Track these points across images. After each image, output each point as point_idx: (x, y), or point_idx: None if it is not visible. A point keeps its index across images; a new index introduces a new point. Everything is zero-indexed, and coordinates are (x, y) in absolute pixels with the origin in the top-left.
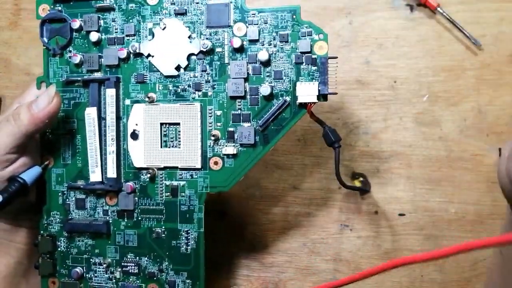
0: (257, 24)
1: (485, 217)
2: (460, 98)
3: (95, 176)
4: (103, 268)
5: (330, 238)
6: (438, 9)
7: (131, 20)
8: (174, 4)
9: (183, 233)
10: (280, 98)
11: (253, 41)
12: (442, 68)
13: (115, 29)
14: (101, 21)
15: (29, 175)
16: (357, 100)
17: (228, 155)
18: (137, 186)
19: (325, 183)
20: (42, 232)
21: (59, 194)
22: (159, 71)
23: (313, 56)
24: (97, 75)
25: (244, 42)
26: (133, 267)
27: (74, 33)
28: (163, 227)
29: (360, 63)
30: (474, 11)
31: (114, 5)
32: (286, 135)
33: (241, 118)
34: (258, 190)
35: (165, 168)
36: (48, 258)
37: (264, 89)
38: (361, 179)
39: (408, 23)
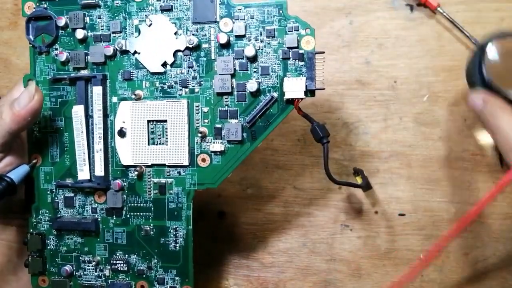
0: (244, 19)
1: (485, 217)
2: (460, 98)
3: (83, 174)
4: (92, 266)
5: (330, 238)
6: (438, 9)
7: (117, 17)
8: (159, 0)
9: (171, 231)
10: (267, 94)
11: (239, 37)
12: (442, 68)
13: (101, 26)
14: (87, 18)
15: (17, 174)
16: (357, 100)
17: (215, 152)
18: (125, 183)
19: (325, 183)
20: (31, 230)
21: (48, 192)
22: (146, 68)
23: (300, 51)
24: (84, 72)
25: (231, 38)
26: (122, 265)
27: (60, 31)
28: (152, 225)
29: (360, 63)
30: (474, 11)
31: (100, 1)
32: (286, 135)
33: (228, 114)
34: (258, 190)
35: (152, 165)
36: (38, 256)
37: (251, 85)
38: (361, 176)
39: (408, 23)
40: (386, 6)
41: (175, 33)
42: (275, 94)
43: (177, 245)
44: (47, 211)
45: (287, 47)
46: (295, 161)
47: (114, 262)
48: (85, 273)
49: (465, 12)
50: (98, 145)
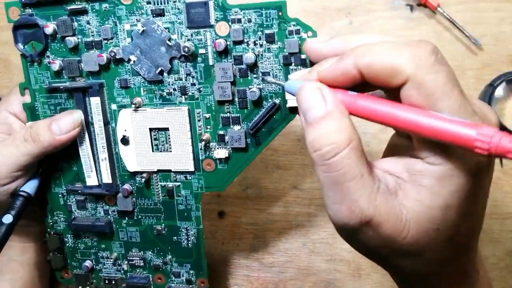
0: (241, 23)
1: (485, 217)
2: None
3: (91, 180)
4: (111, 261)
5: (330, 238)
6: (438, 9)
7: (106, 22)
8: (150, 3)
9: (183, 230)
10: (270, 100)
11: (237, 43)
12: None
13: (91, 32)
14: (75, 23)
15: (31, 186)
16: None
17: (220, 159)
18: (133, 187)
19: None
20: (48, 230)
21: (60, 195)
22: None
23: (302, 57)
24: (80, 80)
25: (228, 42)
26: (138, 261)
27: (49, 38)
28: (163, 225)
29: None
30: (474, 11)
31: (86, 5)
32: (286, 135)
33: (231, 121)
34: (258, 190)
35: (158, 171)
36: (58, 253)
37: (252, 94)
38: None
39: (408, 23)
40: (386, 6)
41: (169, 40)
42: (277, 101)
43: (189, 242)
44: (61, 213)
45: (289, 53)
46: (295, 161)
47: (131, 258)
48: (104, 267)
49: (465, 12)
50: (103, 154)
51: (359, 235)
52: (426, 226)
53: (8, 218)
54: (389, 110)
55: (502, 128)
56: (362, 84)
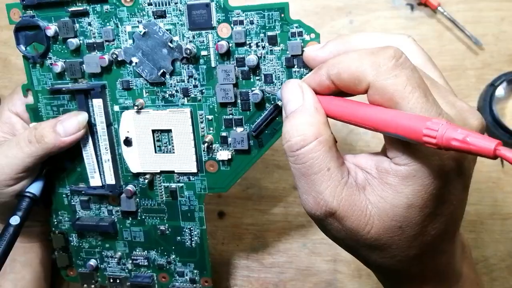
0: (243, 24)
1: (485, 217)
2: (461, 98)
3: (94, 181)
4: (115, 260)
5: None
6: (439, 8)
7: (108, 24)
8: (151, 4)
9: (186, 230)
10: (272, 102)
11: (239, 45)
12: (443, 67)
13: (93, 33)
14: (77, 25)
15: (36, 187)
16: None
17: (223, 161)
18: (137, 188)
19: None
20: (53, 229)
21: (64, 196)
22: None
23: None
24: (82, 82)
25: (230, 44)
26: (142, 260)
27: (51, 40)
28: (167, 225)
29: None
30: (475, 11)
31: (87, 7)
32: None
33: (234, 122)
34: (258, 190)
35: (162, 172)
36: (63, 252)
37: (255, 96)
38: None
39: (408, 23)
40: (386, 5)
41: (171, 41)
42: (280, 103)
43: (193, 242)
44: (66, 212)
45: (291, 55)
46: None
47: (135, 257)
48: (109, 266)
49: (466, 11)
50: (106, 156)
51: (327, 225)
52: (389, 222)
53: (15, 220)
54: (353, 108)
55: (503, 128)
56: (343, 93)
